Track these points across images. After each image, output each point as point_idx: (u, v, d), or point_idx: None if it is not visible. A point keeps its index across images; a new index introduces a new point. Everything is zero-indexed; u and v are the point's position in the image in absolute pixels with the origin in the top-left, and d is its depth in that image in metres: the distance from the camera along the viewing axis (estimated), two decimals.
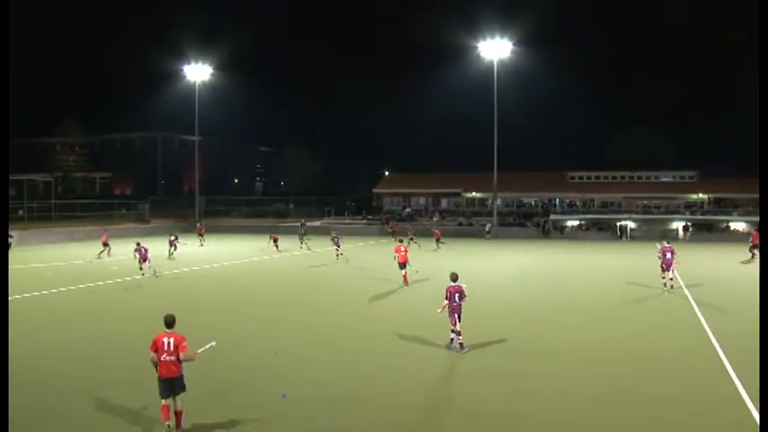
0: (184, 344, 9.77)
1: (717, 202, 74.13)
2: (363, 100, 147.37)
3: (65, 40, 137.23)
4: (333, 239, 38.88)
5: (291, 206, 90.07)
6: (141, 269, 29.26)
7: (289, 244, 45.86)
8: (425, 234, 52.72)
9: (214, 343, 10.74)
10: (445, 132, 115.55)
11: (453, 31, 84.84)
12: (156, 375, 9.82)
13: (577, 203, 79.05)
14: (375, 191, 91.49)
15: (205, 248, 45.52)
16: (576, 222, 71.45)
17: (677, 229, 62.14)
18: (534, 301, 22.85)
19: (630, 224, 65.72)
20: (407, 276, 26.39)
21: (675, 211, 71.87)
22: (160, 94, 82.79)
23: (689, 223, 64.57)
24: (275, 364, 13.86)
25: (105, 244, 39.45)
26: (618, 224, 64.70)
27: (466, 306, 14.93)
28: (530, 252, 44.83)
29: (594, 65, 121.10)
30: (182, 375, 9.83)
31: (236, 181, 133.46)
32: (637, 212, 71.63)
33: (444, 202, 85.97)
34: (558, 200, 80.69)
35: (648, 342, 16.10)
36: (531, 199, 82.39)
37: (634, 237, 61.49)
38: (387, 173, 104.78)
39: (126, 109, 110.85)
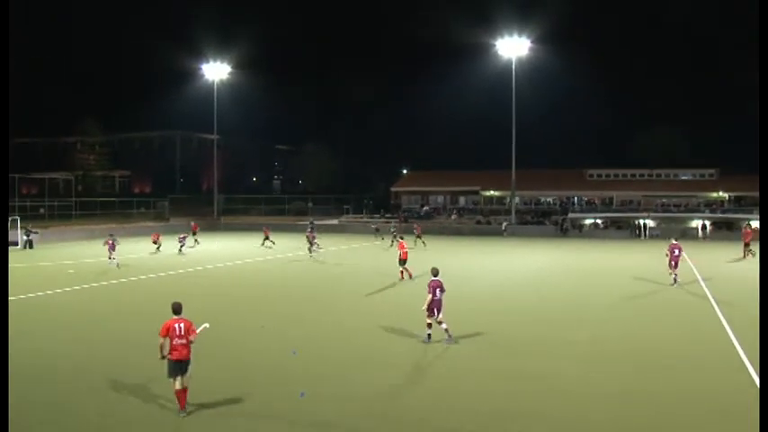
0: (193, 327, 10.57)
1: (737, 200, 73.29)
2: (380, 98, 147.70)
3: (85, 40, 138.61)
4: (308, 234, 38.78)
5: (310, 204, 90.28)
6: (110, 258, 31.97)
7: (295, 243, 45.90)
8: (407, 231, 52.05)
9: (207, 324, 11.17)
10: (463, 131, 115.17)
11: (471, 29, 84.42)
12: (161, 359, 10.50)
13: (596, 202, 78.52)
14: (393, 189, 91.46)
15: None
16: (595, 221, 70.96)
17: (697, 228, 61.51)
18: (549, 300, 22.70)
19: (650, 222, 65.14)
20: (411, 272, 26.98)
21: (695, 210, 71.18)
22: (179, 93, 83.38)
23: (706, 222, 63.90)
24: (292, 362, 13.91)
25: (155, 242, 41.29)
26: (637, 222, 64.13)
27: (483, 305, 14.92)
28: (547, 250, 44.54)
29: (611, 63, 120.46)
30: (190, 359, 10.50)
31: (254, 179, 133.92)
32: (656, 211, 71.03)
33: (462, 201, 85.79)
34: (576, 198, 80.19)
35: (663, 340, 15.95)
36: (549, 197, 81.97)
37: (653, 235, 60.93)
38: (405, 171, 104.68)
39: (145, 108, 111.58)
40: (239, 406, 10.95)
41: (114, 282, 26.96)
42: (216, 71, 73.66)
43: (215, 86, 74.65)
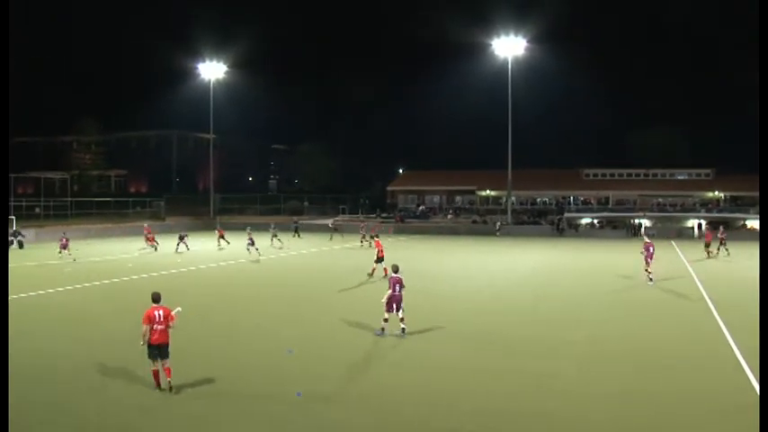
0: (172, 314, 11.71)
1: (733, 199, 73.47)
2: (380, 98, 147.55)
3: (84, 40, 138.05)
4: (249, 235, 38.72)
5: (306, 203, 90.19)
6: (60, 254, 34.56)
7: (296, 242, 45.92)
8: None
9: (180, 308, 12.25)
10: (459, 130, 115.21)
11: (467, 29, 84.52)
12: (143, 345, 11.49)
13: (592, 201, 78.63)
14: (389, 188, 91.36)
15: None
16: (591, 220, 71.06)
17: (693, 228, 61.61)
18: (546, 300, 22.71)
19: (645, 222, 65.24)
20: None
21: (691, 209, 71.31)
22: (175, 92, 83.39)
23: (702, 221, 64.03)
24: (287, 361, 13.91)
25: (147, 237, 42.09)
26: (632, 222, 64.23)
27: (481, 305, 14.94)
28: (544, 250, 44.56)
29: (608, 62, 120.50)
30: (168, 343, 11.55)
31: (249, 179, 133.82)
32: (652, 210, 71.16)
33: (459, 200, 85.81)
34: (572, 198, 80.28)
35: (661, 341, 15.99)
36: (545, 197, 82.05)
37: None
38: (401, 170, 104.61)
39: (141, 107, 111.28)
40: (235, 404, 10.94)
41: (116, 280, 26.92)
42: (212, 70, 73.53)
43: (211, 86, 74.55)
